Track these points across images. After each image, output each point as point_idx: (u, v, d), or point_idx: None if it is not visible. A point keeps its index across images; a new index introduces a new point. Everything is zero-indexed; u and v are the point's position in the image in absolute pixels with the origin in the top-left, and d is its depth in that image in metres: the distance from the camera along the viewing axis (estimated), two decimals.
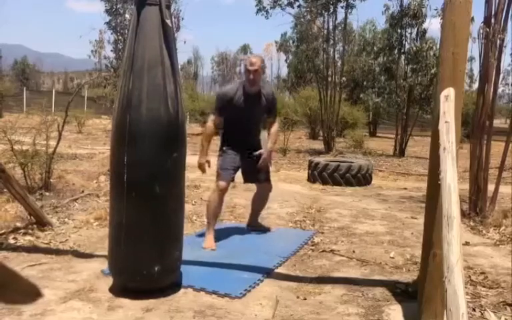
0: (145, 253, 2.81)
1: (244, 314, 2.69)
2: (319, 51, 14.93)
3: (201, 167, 4.07)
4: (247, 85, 3.98)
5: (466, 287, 2.68)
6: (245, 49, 65.30)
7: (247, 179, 4.30)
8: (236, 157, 4.06)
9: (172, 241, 2.92)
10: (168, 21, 2.79)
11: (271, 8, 13.52)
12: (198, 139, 14.53)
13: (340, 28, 14.71)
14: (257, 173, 4.19)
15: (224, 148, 4.09)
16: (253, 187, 4.45)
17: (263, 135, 4.32)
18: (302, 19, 15.26)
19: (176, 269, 3.00)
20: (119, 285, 2.90)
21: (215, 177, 4.07)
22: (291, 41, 29.02)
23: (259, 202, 4.49)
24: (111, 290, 2.91)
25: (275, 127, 4.24)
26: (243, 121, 4.01)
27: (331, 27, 14.21)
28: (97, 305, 2.72)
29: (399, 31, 14.60)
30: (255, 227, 4.53)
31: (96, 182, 6.58)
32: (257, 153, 4.09)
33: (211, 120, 4.07)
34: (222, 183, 3.99)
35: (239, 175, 4.22)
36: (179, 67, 3.13)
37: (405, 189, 7.73)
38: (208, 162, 4.04)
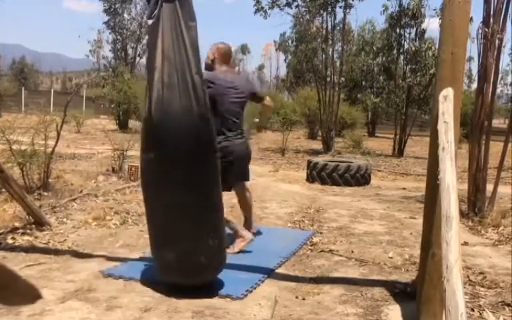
0: None
1: (243, 314, 2.69)
2: (318, 50, 14.94)
3: None
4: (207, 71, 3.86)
5: (465, 287, 2.68)
6: (243, 48, 65.29)
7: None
8: None
9: None
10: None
11: (269, 8, 13.52)
12: None
13: (339, 28, 14.73)
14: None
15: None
16: (251, 182, 4.37)
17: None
18: (301, 19, 15.26)
19: None
20: None
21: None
22: (289, 41, 29.07)
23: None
24: None
25: None
26: None
27: (329, 27, 14.22)
28: (95, 305, 2.72)
29: (397, 31, 14.63)
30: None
31: (94, 182, 6.58)
32: None
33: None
34: None
35: None
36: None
37: (404, 188, 7.73)
38: None
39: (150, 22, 2.85)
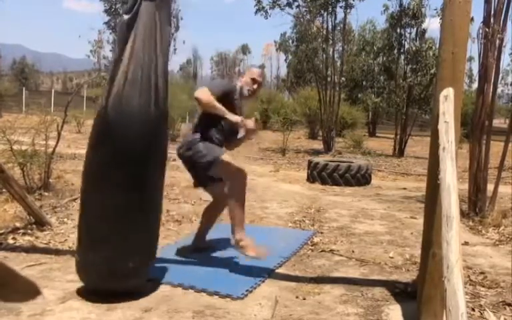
0: None
1: (243, 314, 2.69)
2: (319, 50, 14.94)
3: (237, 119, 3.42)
4: (245, 92, 3.62)
5: (465, 287, 2.68)
6: (244, 49, 65.29)
7: (200, 184, 3.73)
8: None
9: None
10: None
11: (270, 8, 13.54)
12: None
13: (339, 28, 14.72)
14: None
15: (207, 134, 3.44)
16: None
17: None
18: (301, 19, 15.26)
19: None
20: None
21: (221, 161, 3.33)
22: (290, 41, 29.07)
23: (214, 214, 3.87)
24: None
25: None
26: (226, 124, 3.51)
27: (330, 27, 14.23)
28: (96, 305, 2.71)
29: (398, 30, 14.63)
30: (202, 246, 3.85)
31: None
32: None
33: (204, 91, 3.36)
34: (243, 167, 3.44)
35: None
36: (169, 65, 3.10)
37: (405, 188, 7.73)
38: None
39: (126, 17, 2.82)
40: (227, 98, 3.44)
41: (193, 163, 3.46)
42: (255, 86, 3.63)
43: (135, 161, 2.74)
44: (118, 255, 2.76)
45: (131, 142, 2.74)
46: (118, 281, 2.79)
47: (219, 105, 3.31)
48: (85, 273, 2.84)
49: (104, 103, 2.77)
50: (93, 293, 2.80)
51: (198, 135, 3.44)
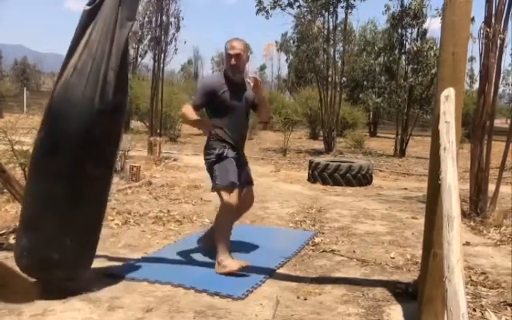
0: None
1: (244, 314, 2.69)
2: (319, 51, 14.94)
3: (204, 127, 3.55)
4: (230, 73, 3.51)
5: (466, 287, 2.68)
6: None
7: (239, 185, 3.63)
8: (234, 160, 3.48)
9: None
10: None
11: (271, 8, 13.52)
12: (198, 138, 14.55)
13: (340, 28, 14.71)
14: (248, 179, 3.70)
15: (218, 150, 3.45)
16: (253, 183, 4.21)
17: None
18: (302, 19, 15.26)
19: None
20: None
21: (219, 190, 3.40)
22: (291, 41, 29.02)
23: (242, 212, 3.87)
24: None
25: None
26: (231, 116, 3.52)
27: (331, 27, 14.21)
28: (97, 305, 2.72)
29: (399, 31, 14.61)
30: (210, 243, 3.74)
31: None
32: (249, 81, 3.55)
33: (186, 106, 3.59)
34: (234, 198, 3.37)
35: None
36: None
37: (406, 189, 7.73)
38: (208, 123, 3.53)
39: (87, 8, 2.82)
40: (214, 96, 3.48)
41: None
42: (232, 60, 3.48)
43: (70, 150, 2.73)
44: (44, 242, 2.76)
45: (68, 131, 2.73)
46: (41, 270, 2.84)
47: (190, 117, 3.46)
48: (17, 258, 2.90)
49: (52, 90, 2.80)
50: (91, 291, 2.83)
51: (211, 149, 3.49)
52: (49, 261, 2.78)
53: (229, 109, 3.52)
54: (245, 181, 3.63)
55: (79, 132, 2.73)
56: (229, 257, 3.35)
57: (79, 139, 2.73)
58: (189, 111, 3.47)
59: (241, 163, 3.61)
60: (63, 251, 2.78)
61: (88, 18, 2.81)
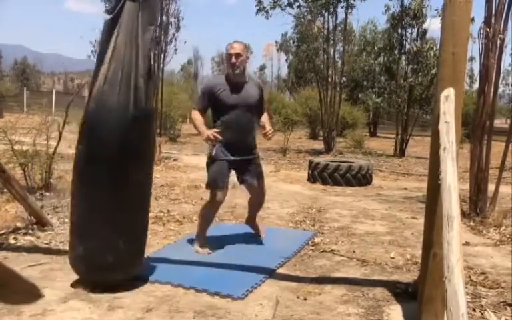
0: None
1: (244, 314, 2.69)
2: (319, 51, 14.93)
3: (209, 137, 3.63)
4: (230, 74, 3.66)
5: (466, 287, 2.68)
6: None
7: (242, 182, 3.98)
8: (225, 163, 3.70)
9: None
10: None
11: (271, 8, 13.52)
12: (198, 138, 14.52)
13: (340, 28, 14.71)
14: (250, 176, 3.90)
15: (212, 152, 3.71)
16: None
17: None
18: (302, 19, 15.26)
19: None
20: None
21: (209, 187, 3.78)
22: (291, 41, 29.02)
23: (256, 206, 4.25)
24: None
25: (265, 115, 3.93)
26: (231, 115, 3.65)
27: (331, 27, 14.21)
28: (97, 305, 2.72)
29: (399, 31, 14.61)
30: (252, 226, 4.35)
31: None
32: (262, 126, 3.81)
33: (193, 111, 3.81)
34: (219, 196, 3.72)
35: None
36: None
37: (405, 189, 7.73)
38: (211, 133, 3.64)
39: (108, 17, 2.86)
40: (212, 96, 3.69)
41: None
42: (232, 58, 3.66)
43: (109, 158, 2.80)
44: (99, 247, 2.85)
45: (105, 140, 2.81)
46: (95, 274, 2.91)
47: (197, 123, 3.71)
48: (73, 266, 2.99)
49: (87, 101, 2.86)
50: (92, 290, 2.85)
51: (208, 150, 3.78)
52: (105, 264, 2.87)
53: (228, 107, 3.66)
54: (248, 178, 3.89)
55: (116, 139, 2.80)
56: (199, 243, 3.79)
57: (117, 145, 2.80)
58: (196, 116, 3.72)
59: (242, 163, 3.79)
60: (117, 253, 2.87)
61: (111, 26, 2.85)
